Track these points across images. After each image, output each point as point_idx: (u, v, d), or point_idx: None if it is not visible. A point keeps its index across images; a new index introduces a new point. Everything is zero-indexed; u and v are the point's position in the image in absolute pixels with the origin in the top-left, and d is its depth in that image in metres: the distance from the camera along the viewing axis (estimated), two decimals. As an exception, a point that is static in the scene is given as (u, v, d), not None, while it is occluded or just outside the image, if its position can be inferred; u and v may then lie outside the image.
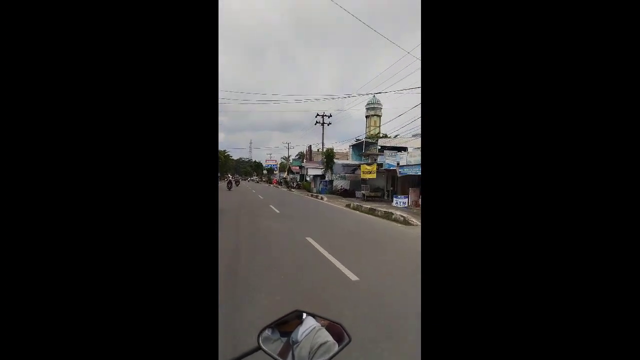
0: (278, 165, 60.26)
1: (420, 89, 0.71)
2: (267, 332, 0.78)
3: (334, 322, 0.78)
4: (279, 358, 0.71)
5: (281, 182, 43.16)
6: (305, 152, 45.68)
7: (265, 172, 66.79)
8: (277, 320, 0.80)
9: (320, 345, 0.70)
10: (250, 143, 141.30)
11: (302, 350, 0.71)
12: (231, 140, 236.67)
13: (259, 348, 0.73)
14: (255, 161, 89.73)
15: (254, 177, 72.10)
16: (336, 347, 0.71)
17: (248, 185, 36.92)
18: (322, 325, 0.77)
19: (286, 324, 0.79)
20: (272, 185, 44.77)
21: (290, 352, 0.73)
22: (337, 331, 0.76)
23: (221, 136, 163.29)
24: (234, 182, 27.69)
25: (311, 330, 0.74)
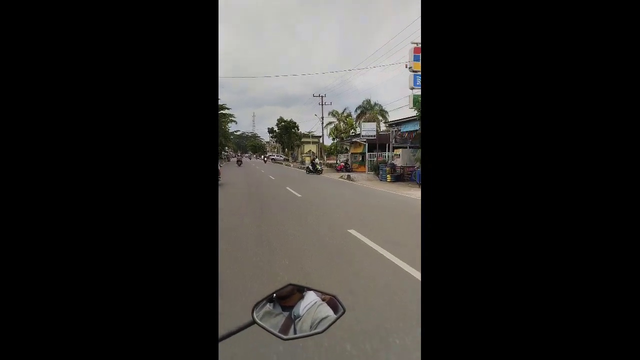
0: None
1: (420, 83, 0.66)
2: (263, 306, 0.79)
3: (328, 294, 0.80)
4: (274, 331, 0.73)
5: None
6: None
7: (316, 146, 35.63)
8: (270, 295, 0.80)
9: (322, 319, 0.73)
10: (254, 116, 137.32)
11: (303, 324, 0.73)
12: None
13: (253, 322, 0.74)
14: (283, 120, 45.58)
15: (268, 154, 42.55)
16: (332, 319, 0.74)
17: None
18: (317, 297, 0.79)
19: (287, 299, 0.80)
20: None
21: (292, 326, 0.74)
22: (331, 302, 0.78)
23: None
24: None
25: (312, 305, 0.76)
